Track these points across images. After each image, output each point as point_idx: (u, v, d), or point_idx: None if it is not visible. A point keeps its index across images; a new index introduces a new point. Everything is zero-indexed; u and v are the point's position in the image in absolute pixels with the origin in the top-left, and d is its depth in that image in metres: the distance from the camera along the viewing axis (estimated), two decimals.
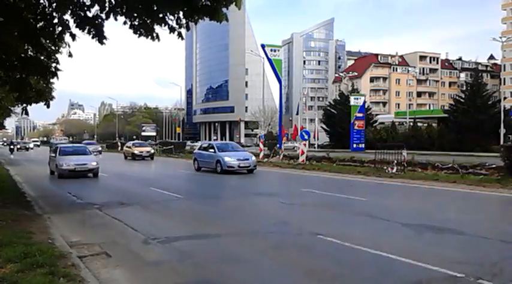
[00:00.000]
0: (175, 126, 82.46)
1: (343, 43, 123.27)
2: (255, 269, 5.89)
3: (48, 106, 14.20)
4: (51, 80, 13.22)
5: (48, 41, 10.00)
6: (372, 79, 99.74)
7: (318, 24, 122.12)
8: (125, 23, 8.28)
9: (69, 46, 10.06)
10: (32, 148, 72.03)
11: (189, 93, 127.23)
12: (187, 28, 8.29)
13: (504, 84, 79.85)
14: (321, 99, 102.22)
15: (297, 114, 55.50)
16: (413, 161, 20.12)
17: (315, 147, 52.09)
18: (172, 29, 8.19)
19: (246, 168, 20.35)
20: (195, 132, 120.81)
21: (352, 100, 45.32)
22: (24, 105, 14.38)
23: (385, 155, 20.09)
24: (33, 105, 17.02)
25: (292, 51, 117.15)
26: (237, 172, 20.17)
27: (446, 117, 46.27)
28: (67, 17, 8.57)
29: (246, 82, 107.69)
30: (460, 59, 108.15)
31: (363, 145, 43.65)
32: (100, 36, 8.41)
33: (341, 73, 79.72)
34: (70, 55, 9.99)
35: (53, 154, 20.22)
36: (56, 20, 8.70)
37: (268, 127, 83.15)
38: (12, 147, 50.93)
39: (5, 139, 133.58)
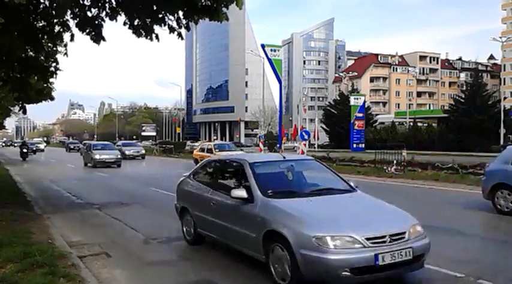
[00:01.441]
0: (175, 126, 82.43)
1: (343, 43, 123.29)
2: (255, 270, 5.88)
3: (52, 99, 14.17)
4: (51, 80, 13.24)
5: (47, 41, 10.00)
6: (372, 79, 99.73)
7: (318, 24, 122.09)
8: (124, 23, 8.28)
9: (65, 46, 10.07)
10: (43, 150, 57.11)
11: (189, 93, 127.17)
12: (188, 28, 8.29)
13: (504, 84, 79.80)
14: (321, 99, 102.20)
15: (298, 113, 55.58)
16: (413, 161, 20.12)
17: (315, 147, 52.07)
18: (172, 29, 8.19)
19: None
20: (195, 132, 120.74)
21: (352, 100, 45.33)
22: (21, 103, 14.37)
23: (385, 155, 20.09)
24: (34, 105, 17.03)
25: (292, 51, 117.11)
26: None
27: (447, 117, 46.28)
28: (67, 17, 8.58)
29: (246, 82, 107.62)
30: (460, 59, 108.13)
31: (363, 145, 43.64)
32: (98, 37, 8.41)
33: (341, 73, 79.73)
34: (66, 55, 10.00)
35: (243, 196, 5.49)
36: (55, 20, 8.71)
37: (268, 127, 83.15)
38: (25, 150, 36.66)
39: (4, 139, 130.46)
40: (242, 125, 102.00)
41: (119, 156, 26.80)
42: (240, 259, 6.36)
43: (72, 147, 58.48)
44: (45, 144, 72.00)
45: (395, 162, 19.06)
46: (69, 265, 5.54)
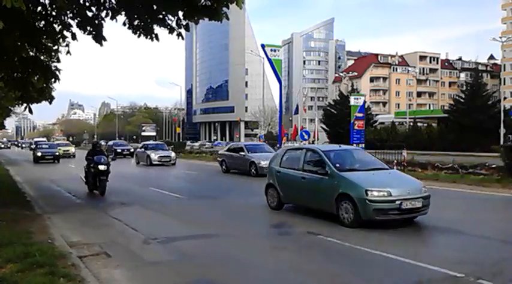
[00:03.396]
0: (175, 126, 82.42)
1: (343, 43, 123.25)
2: (255, 270, 5.89)
3: (50, 102, 14.06)
4: (53, 80, 13.21)
5: (48, 41, 10.00)
6: (372, 79, 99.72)
7: (318, 24, 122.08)
8: (124, 23, 8.28)
9: (67, 46, 10.05)
10: (73, 156, 38.39)
11: (189, 93, 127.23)
12: (187, 29, 8.30)
13: (504, 84, 79.76)
14: (321, 99, 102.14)
15: (295, 113, 55.57)
16: (413, 161, 20.13)
17: None
18: (171, 30, 8.19)
19: None
20: (195, 132, 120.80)
21: (352, 100, 45.02)
22: (26, 104, 14.35)
23: (385, 155, 20.09)
24: (34, 104, 16.95)
25: (292, 51, 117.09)
26: None
27: (446, 117, 46.25)
28: (67, 17, 8.58)
29: (246, 82, 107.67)
30: (460, 59, 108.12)
31: (363, 145, 43.59)
32: (99, 37, 8.42)
33: (341, 73, 79.71)
34: (68, 52, 9.97)
35: None
36: (56, 20, 8.72)
37: (268, 127, 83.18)
38: (103, 167, 13.11)
39: (4, 139, 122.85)
40: (242, 125, 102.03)
41: None
42: (240, 259, 6.36)
43: (119, 150, 38.45)
44: (74, 148, 43.90)
45: (395, 162, 19.05)
46: (69, 265, 5.54)
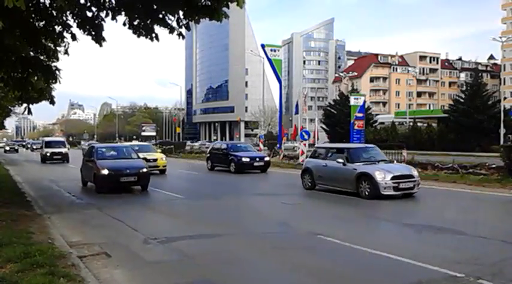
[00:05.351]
0: (175, 126, 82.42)
1: (343, 43, 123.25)
2: (255, 270, 5.89)
3: (52, 103, 14.00)
4: (52, 81, 13.20)
5: (48, 41, 9.98)
6: (372, 79, 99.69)
7: (318, 24, 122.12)
8: (124, 23, 8.28)
9: (66, 46, 10.04)
10: (163, 171, 21.36)
11: (189, 93, 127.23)
12: (188, 28, 8.29)
13: (504, 84, 79.78)
14: (321, 99, 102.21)
15: (296, 113, 55.54)
16: (413, 161, 20.12)
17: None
18: (171, 29, 8.19)
19: None
20: (195, 132, 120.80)
21: (352, 100, 45.14)
22: (26, 105, 14.34)
23: (385, 155, 20.09)
24: (34, 104, 16.93)
25: (292, 51, 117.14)
26: None
27: (446, 117, 46.26)
28: (67, 17, 8.58)
29: (246, 82, 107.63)
30: (460, 59, 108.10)
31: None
32: (98, 37, 8.42)
33: (341, 73, 79.67)
34: (66, 53, 9.96)
35: None
36: (56, 20, 8.72)
37: (268, 127, 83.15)
38: None
39: (5, 139, 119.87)
40: (242, 125, 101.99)
41: None
42: (240, 259, 6.36)
43: (246, 159, 21.92)
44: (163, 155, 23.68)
45: (395, 162, 19.06)
46: (69, 265, 5.54)
